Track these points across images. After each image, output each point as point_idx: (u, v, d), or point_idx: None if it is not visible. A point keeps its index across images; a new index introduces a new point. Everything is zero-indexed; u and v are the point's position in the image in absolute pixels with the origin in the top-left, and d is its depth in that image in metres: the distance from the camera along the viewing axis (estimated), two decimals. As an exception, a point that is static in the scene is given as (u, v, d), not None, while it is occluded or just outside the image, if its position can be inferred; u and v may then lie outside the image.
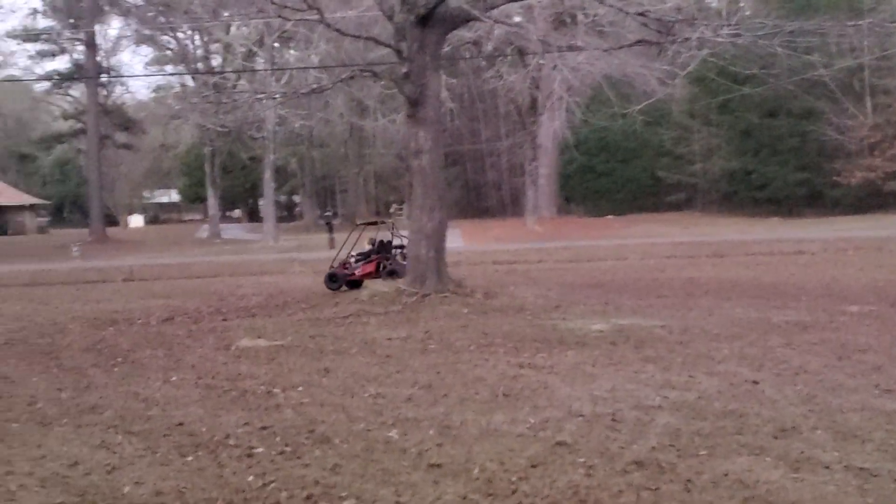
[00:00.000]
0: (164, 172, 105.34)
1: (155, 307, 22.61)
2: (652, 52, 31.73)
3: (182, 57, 68.07)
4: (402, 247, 24.61)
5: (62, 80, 76.74)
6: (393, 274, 23.41)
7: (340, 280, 23.58)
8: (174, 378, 12.90)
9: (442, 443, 8.93)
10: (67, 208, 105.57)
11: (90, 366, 14.34)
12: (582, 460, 8.18)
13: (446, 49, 22.94)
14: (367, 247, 24.72)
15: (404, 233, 24.60)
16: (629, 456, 8.25)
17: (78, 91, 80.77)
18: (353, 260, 24.44)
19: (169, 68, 75.65)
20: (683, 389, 10.90)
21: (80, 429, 10.13)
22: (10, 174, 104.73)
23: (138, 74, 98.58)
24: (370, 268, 24.12)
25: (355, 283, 23.77)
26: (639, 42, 22.60)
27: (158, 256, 44.68)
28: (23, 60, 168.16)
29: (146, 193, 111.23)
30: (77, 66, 73.95)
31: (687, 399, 10.38)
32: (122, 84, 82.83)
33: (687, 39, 20.20)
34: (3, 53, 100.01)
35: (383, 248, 24.53)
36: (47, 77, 78.16)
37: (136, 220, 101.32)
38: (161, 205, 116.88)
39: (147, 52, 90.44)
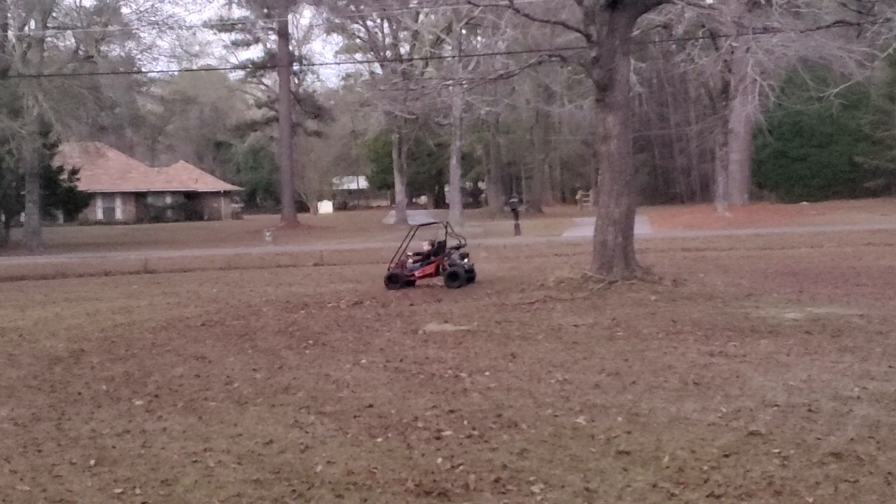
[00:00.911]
0: (353, 159, 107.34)
1: (344, 291, 23.02)
2: (850, 34, 30.66)
3: (371, 45, 69.14)
4: (458, 247, 24.51)
5: (256, 69, 78.93)
6: (454, 277, 22.98)
7: (400, 281, 23.47)
8: (363, 361, 13.09)
9: (631, 430, 8.81)
10: (260, 194, 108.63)
11: (283, 347, 14.69)
12: (776, 451, 7.93)
13: (635, 33, 22.57)
14: (426, 248, 24.54)
15: (456, 235, 24.91)
16: (826, 447, 7.97)
17: (270, 80, 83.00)
18: (410, 261, 24.31)
19: (358, 56, 77.03)
20: (883, 380, 10.47)
21: (274, 408, 10.37)
22: (207, 161, 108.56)
23: (329, 63, 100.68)
24: (430, 269, 23.90)
25: (411, 283, 23.65)
26: (837, 23, 21.83)
27: (347, 242, 45.53)
28: (218, 50, 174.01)
29: (335, 180, 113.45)
30: (270, 55, 75.91)
31: (887, 390, 9.97)
32: (313, 72, 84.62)
33: (888, 20, 19.41)
34: (199, 43, 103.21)
35: (441, 250, 24.34)
36: (242, 66, 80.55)
37: (326, 207, 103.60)
38: (349, 191, 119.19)
39: (337, 40, 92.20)
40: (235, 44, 79.41)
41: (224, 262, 34.09)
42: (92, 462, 8.42)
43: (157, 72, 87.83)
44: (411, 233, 24.95)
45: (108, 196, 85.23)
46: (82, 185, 62.92)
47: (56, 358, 14.40)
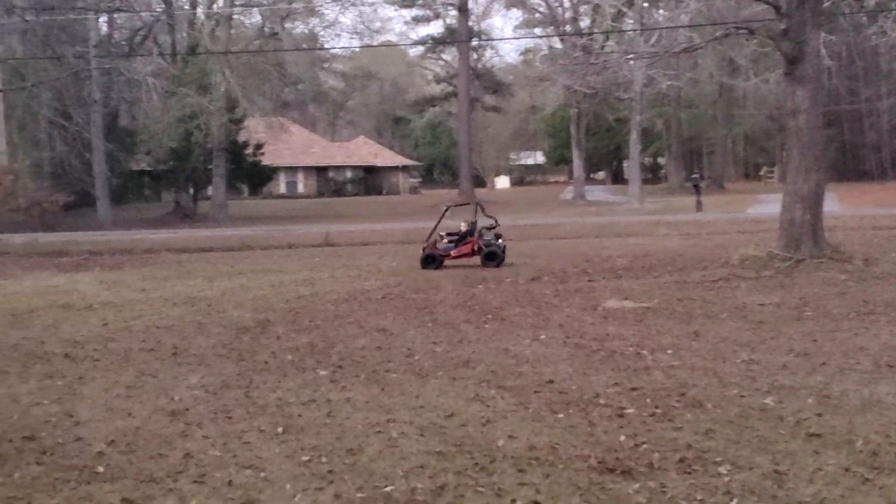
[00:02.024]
0: (530, 134, 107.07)
1: (521, 266, 22.97)
2: None
3: (551, 19, 68.70)
4: (492, 227, 24.38)
5: (435, 44, 79.53)
6: (491, 256, 23.05)
7: (438, 261, 23.22)
8: (543, 336, 13.04)
9: (821, 412, 8.54)
10: (437, 169, 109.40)
11: (462, 321, 14.74)
12: (979, 438, 7.57)
13: (826, 4, 21.78)
14: (463, 227, 24.18)
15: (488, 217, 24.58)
16: None
17: (450, 55, 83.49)
18: (445, 241, 24.00)
19: (538, 31, 76.75)
20: None
21: (454, 381, 10.42)
22: (386, 136, 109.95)
23: (508, 38, 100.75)
24: (466, 249, 23.70)
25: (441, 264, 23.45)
26: None
27: (524, 217, 45.38)
28: (399, 26, 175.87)
29: (512, 155, 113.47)
30: (450, 30, 76.31)
31: None
32: (492, 47, 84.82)
33: None
34: (380, 19, 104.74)
35: (472, 231, 24.03)
36: (421, 42, 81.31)
37: (503, 182, 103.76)
38: (526, 166, 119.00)
39: (517, 15, 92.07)
40: (416, 19, 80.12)
41: (403, 236, 34.39)
42: (279, 430, 8.61)
43: (339, 48, 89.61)
44: (444, 213, 24.99)
45: (291, 170, 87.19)
46: (266, 160, 64.42)
47: (243, 327, 14.78)
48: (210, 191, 58.70)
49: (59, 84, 44.31)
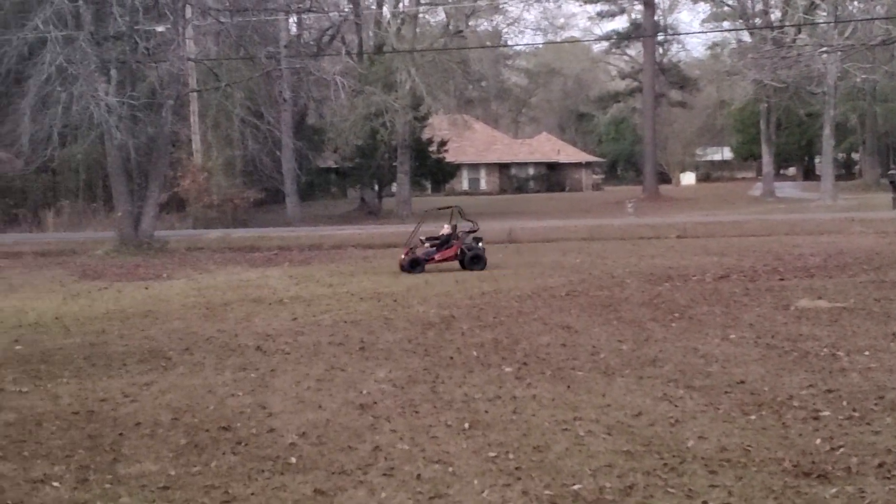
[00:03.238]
0: (717, 130, 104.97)
1: (709, 264, 22.54)
2: None
3: (740, 12, 67.20)
4: (472, 231, 24.29)
5: (620, 39, 78.80)
6: (477, 259, 23.12)
7: (422, 265, 22.85)
8: (732, 335, 12.76)
9: None
10: (621, 166, 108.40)
11: (648, 319, 14.55)
12: None
13: None
14: (445, 230, 23.66)
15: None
16: None
17: (634, 50, 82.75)
18: (427, 245, 23.59)
19: (726, 24, 75.15)
20: None
21: (641, 380, 10.28)
22: (569, 133, 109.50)
23: (695, 31, 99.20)
24: (450, 253, 23.39)
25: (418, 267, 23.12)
26: None
27: (711, 214, 44.61)
28: (583, 22, 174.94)
29: (698, 151, 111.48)
30: (634, 25, 75.50)
31: None
32: (679, 42, 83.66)
33: None
34: (564, 16, 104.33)
35: (455, 235, 23.64)
36: (606, 37, 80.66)
37: (688, 178, 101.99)
38: (712, 162, 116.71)
39: (704, 8, 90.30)
40: (600, 15, 79.54)
41: (586, 233, 34.20)
42: (466, 425, 8.64)
43: (523, 45, 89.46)
44: (422, 219, 25.25)
45: (474, 167, 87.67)
46: (449, 157, 64.88)
47: (428, 323, 14.91)
48: (394, 187, 59.48)
49: (252, 83, 45.54)
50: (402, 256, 23.40)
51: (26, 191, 50.60)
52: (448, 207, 25.93)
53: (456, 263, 23.44)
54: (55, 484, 7.32)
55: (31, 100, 31.39)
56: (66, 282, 23.35)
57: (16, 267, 27.86)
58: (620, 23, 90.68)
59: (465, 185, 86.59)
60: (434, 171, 64.16)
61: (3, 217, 49.13)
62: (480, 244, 23.91)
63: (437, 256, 23.42)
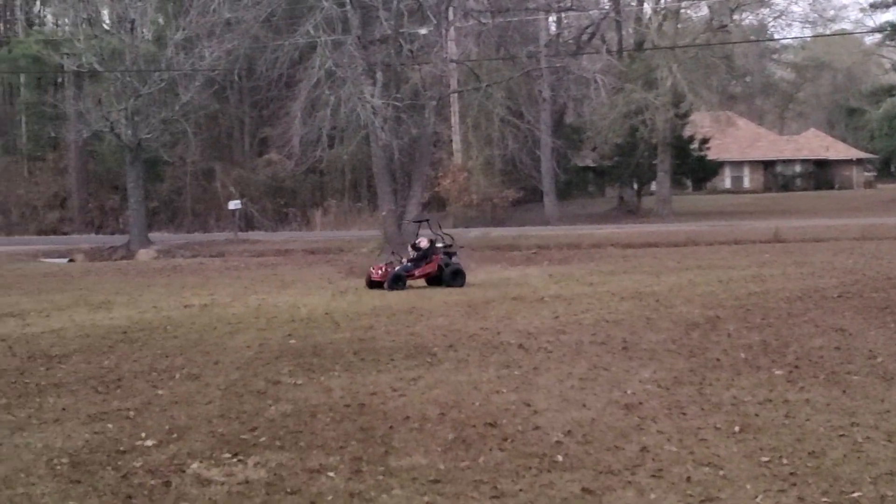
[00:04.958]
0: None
1: None
2: None
3: None
4: (447, 246, 22.59)
5: (894, 31, 75.17)
6: (458, 274, 21.72)
7: (404, 280, 21.35)
8: None
9: None
10: (895, 163, 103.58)
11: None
12: None
13: None
14: (424, 244, 22.11)
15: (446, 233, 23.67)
16: None
17: (910, 42, 78.67)
18: (404, 261, 22.00)
19: None
20: None
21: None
22: (838, 129, 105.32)
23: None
24: (430, 268, 21.86)
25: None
26: None
27: None
28: (854, 13, 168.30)
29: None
30: (910, 16, 71.98)
31: None
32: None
33: None
34: (834, 7, 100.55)
35: (433, 249, 22.06)
36: (879, 29, 77.07)
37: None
38: None
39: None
40: (873, 6, 76.07)
41: (858, 233, 32.81)
42: (736, 428, 8.41)
43: (790, 38, 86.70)
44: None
45: (736, 165, 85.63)
46: (711, 155, 63.55)
47: (693, 323, 14.61)
48: (653, 186, 58.79)
49: (511, 83, 46.00)
50: (372, 270, 22.24)
51: (296, 190, 52.87)
52: (425, 220, 25.28)
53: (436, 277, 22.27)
54: (330, 474, 7.54)
55: (302, 103, 32.73)
56: (333, 279, 24.21)
57: (287, 264, 29.14)
58: (894, 14, 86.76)
59: (727, 184, 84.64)
60: (695, 169, 63.02)
61: (275, 216, 51.50)
62: (455, 258, 22.69)
63: (416, 272, 22.23)
